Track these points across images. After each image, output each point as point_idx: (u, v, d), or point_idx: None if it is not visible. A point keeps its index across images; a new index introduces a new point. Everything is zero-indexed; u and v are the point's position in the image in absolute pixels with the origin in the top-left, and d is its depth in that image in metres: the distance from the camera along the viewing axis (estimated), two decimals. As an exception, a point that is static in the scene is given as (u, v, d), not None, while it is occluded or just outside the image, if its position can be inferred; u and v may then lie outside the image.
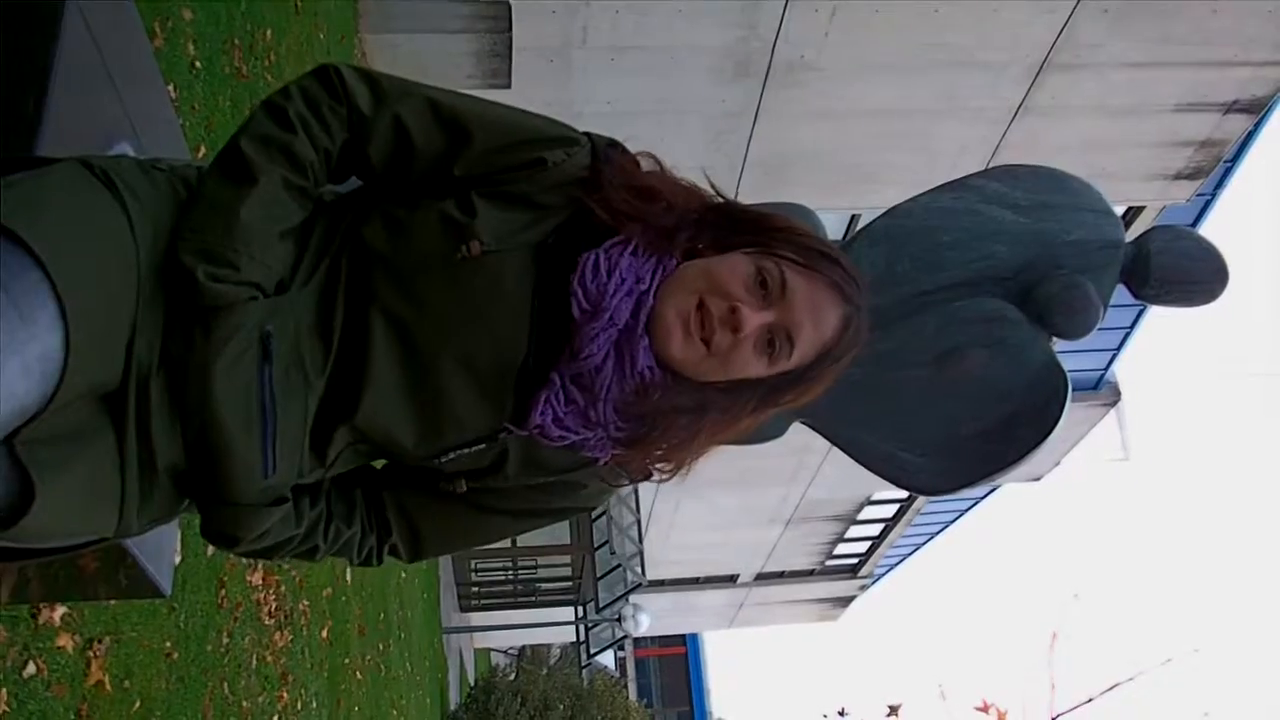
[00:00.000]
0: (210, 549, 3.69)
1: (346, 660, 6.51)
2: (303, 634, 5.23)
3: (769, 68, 8.15)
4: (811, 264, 1.19)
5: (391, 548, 1.34)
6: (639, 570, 16.71)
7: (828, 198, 9.11)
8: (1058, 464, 16.40)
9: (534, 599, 20.98)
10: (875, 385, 2.18)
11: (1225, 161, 10.19)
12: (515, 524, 1.36)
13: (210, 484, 1.13)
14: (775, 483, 16.75)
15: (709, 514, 17.59)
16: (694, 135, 8.55)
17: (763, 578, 22.63)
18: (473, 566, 19.69)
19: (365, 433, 1.18)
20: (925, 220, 2.30)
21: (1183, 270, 2.26)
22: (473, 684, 15.10)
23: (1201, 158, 9.59)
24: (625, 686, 19.23)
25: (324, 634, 5.81)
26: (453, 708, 14.36)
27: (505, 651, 27.79)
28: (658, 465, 1.27)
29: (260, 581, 4.45)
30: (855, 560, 22.70)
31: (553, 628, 21.36)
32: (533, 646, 28.49)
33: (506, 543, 15.67)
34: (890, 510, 19.87)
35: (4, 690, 2.25)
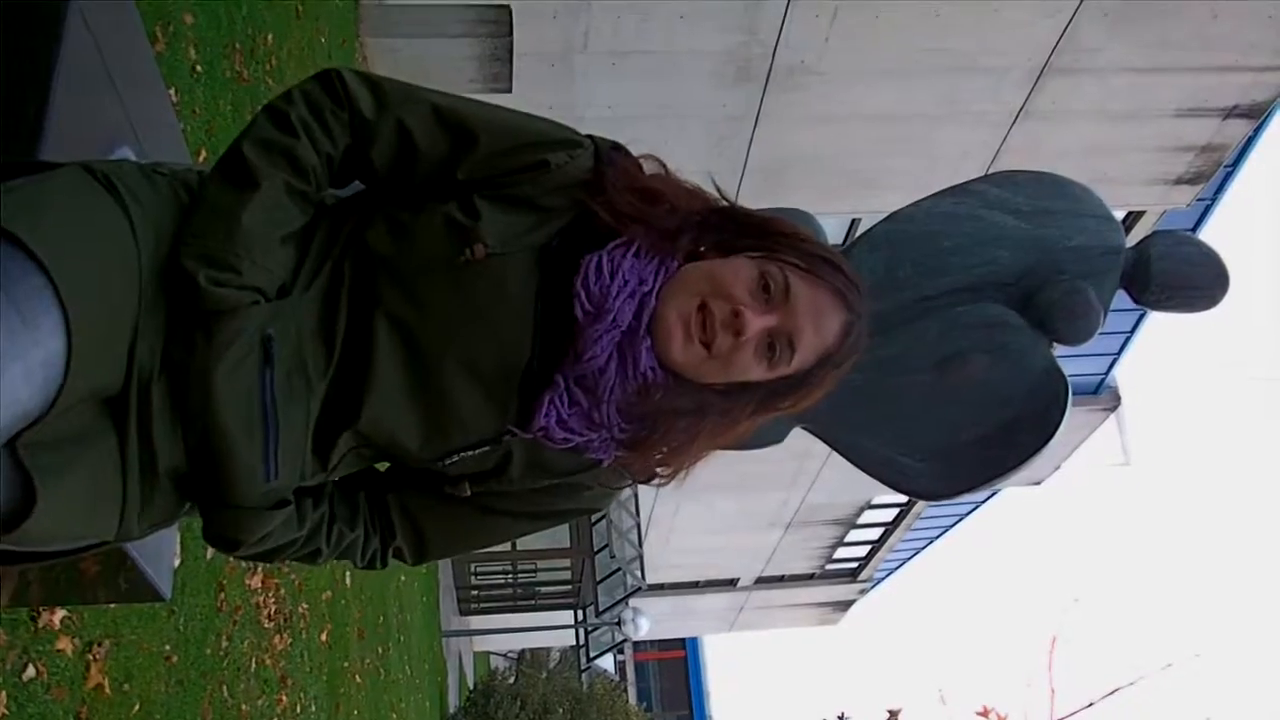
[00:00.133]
0: (210, 552, 3.69)
1: (346, 663, 6.51)
2: (302, 637, 5.23)
3: (770, 72, 8.16)
4: (815, 270, 1.20)
5: (396, 550, 1.34)
6: (639, 574, 16.71)
7: (828, 202, 9.11)
8: (1058, 468, 16.42)
9: (533, 603, 20.96)
10: (876, 390, 2.18)
11: (1226, 166, 10.20)
12: (519, 526, 1.36)
13: (212, 487, 1.13)
14: (775, 487, 16.75)
15: (709, 518, 17.58)
16: (695, 140, 8.55)
17: (763, 581, 22.61)
18: (472, 570, 19.67)
19: (369, 436, 1.18)
20: (926, 225, 2.30)
21: (1184, 276, 2.27)
22: (472, 687, 15.11)
23: (1202, 163, 9.60)
24: (625, 690, 19.21)
25: (323, 637, 5.81)
26: (452, 711, 14.35)
27: (504, 655, 27.76)
28: (659, 468, 1.27)
29: (259, 585, 4.45)
30: (855, 564, 22.69)
31: (552, 631, 21.34)
32: (532, 650, 28.46)
33: (506, 546, 15.66)
34: (890, 514, 19.86)
35: (4, 693, 2.25)
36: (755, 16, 7.76)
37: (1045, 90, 8.60)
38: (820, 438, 2.40)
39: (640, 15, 7.62)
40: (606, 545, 16.80)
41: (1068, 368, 2.25)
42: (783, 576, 22.57)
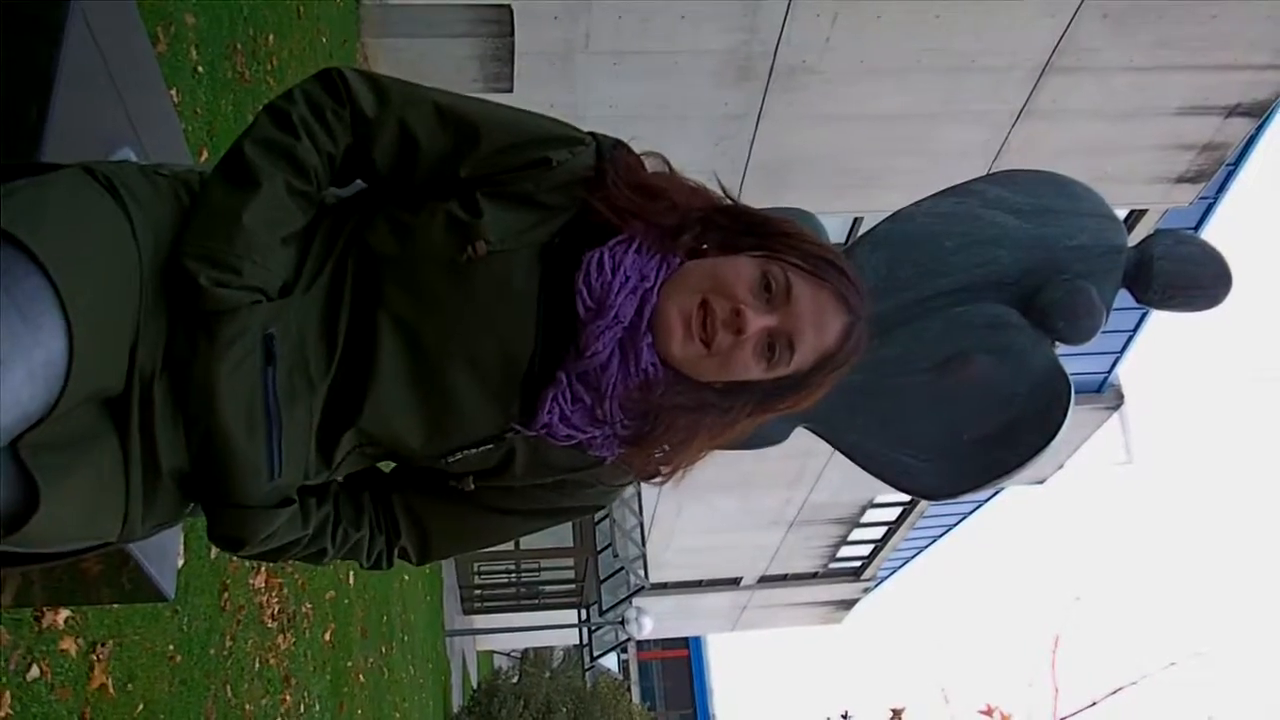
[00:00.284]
0: (214, 552, 3.70)
1: (349, 663, 6.51)
2: (305, 637, 5.23)
3: (771, 71, 8.16)
4: (817, 271, 1.20)
5: (401, 550, 1.34)
6: (642, 573, 16.72)
7: (829, 201, 9.11)
8: (1061, 467, 16.41)
9: (537, 602, 20.97)
10: (878, 390, 2.18)
11: (1228, 165, 10.19)
12: (523, 524, 1.36)
13: (216, 486, 1.14)
14: (778, 486, 16.76)
15: (712, 517, 17.59)
16: (696, 139, 8.56)
17: (766, 580, 22.61)
18: (475, 569, 19.68)
19: (372, 434, 1.18)
20: (927, 225, 2.30)
21: (1185, 275, 2.26)
22: (475, 686, 15.12)
23: (1204, 161, 9.59)
24: (628, 689, 19.23)
25: (327, 637, 5.81)
26: (456, 710, 14.36)
27: (508, 654, 27.75)
28: (660, 465, 1.27)
29: (263, 584, 4.45)
30: (858, 563, 22.69)
31: (556, 630, 21.32)
32: (535, 649, 28.46)
33: (509, 545, 15.67)
34: (893, 513, 19.86)
35: (8, 694, 2.25)
36: (756, 16, 7.76)
37: (1046, 89, 8.59)
38: (823, 437, 2.40)
39: (641, 15, 7.62)
40: (610, 544, 16.81)
41: (1070, 366, 2.25)
42: (786, 575, 22.57)
